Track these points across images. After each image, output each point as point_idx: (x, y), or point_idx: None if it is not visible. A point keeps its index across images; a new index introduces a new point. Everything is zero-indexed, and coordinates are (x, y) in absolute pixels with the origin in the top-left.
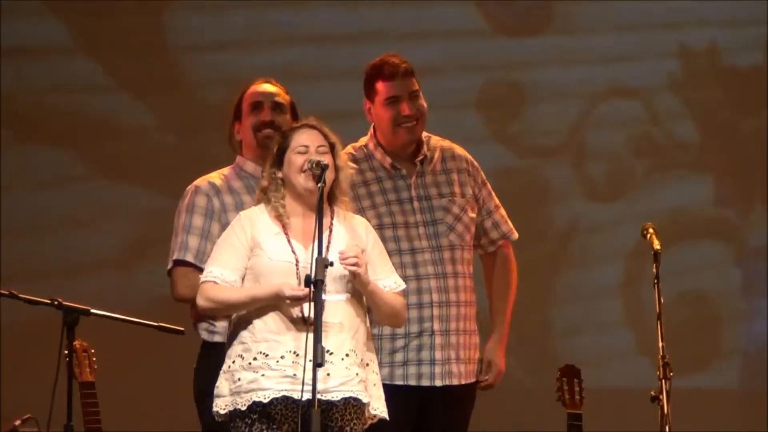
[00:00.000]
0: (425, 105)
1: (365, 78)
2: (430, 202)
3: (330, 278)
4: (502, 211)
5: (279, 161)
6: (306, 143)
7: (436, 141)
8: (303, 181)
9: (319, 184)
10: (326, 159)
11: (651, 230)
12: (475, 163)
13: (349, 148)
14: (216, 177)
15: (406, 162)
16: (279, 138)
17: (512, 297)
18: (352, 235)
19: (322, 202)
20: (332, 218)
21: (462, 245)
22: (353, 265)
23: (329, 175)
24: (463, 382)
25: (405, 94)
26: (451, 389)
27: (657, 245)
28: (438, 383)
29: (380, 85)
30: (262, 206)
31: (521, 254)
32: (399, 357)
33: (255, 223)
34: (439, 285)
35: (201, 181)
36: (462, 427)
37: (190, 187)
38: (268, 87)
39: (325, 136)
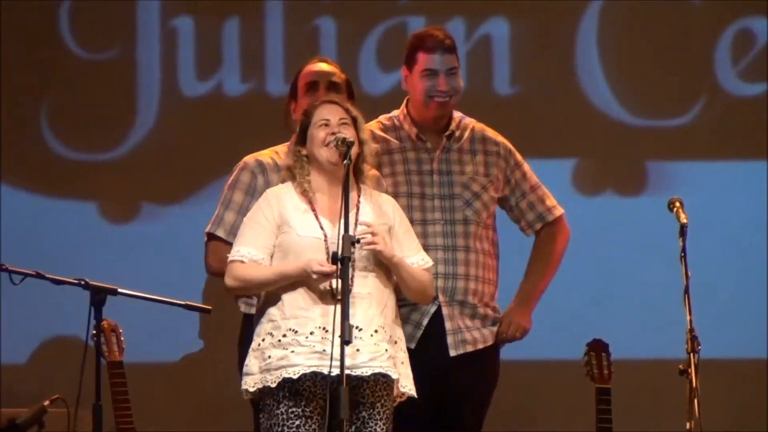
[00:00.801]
0: (461, 83)
1: (408, 46)
2: (450, 177)
3: (358, 254)
4: (541, 192)
5: (303, 139)
6: (327, 117)
7: (469, 122)
8: (327, 155)
9: (345, 161)
10: (349, 132)
11: (678, 204)
12: (509, 145)
13: (382, 118)
14: (267, 155)
15: (433, 135)
16: (302, 116)
17: (548, 272)
18: (378, 212)
19: (349, 179)
20: (359, 196)
21: (477, 221)
22: (370, 243)
23: (353, 150)
24: (480, 346)
25: (443, 69)
26: (466, 356)
27: (684, 219)
28: (452, 353)
29: (420, 56)
30: (288, 184)
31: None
32: None
33: (282, 200)
34: (446, 257)
35: (250, 158)
36: (486, 388)
37: (240, 162)
38: (323, 66)
39: (347, 110)
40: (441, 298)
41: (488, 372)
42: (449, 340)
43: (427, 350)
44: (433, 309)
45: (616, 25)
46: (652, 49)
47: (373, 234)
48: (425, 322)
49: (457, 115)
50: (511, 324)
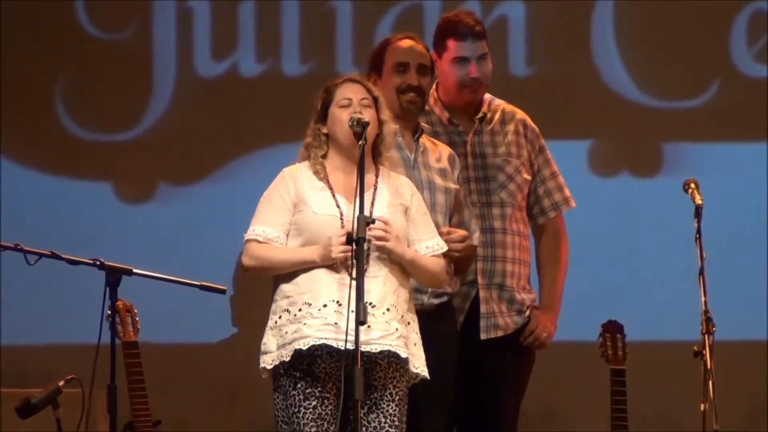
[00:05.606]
0: (490, 67)
1: (437, 31)
2: (484, 160)
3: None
4: (560, 180)
5: (323, 116)
6: (349, 96)
7: (499, 103)
8: (349, 136)
9: (360, 142)
10: (369, 113)
11: (693, 185)
12: (536, 129)
13: None
14: None
15: (464, 118)
16: (322, 93)
17: (562, 273)
18: (395, 195)
19: (363, 160)
20: (377, 177)
21: (513, 203)
22: (381, 239)
23: (372, 131)
24: (511, 332)
25: (474, 57)
26: (498, 340)
27: (699, 200)
28: (483, 336)
29: (451, 43)
30: (306, 162)
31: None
32: None
33: (298, 179)
34: (485, 239)
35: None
36: (520, 370)
37: None
38: (414, 46)
39: (368, 90)
40: (480, 280)
41: (523, 354)
42: (481, 323)
43: (463, 334)
44: (473, 292)
45: (631, 5)
46: (668, 30)
47: (385, 231)
48: (467, 306)
49: (486, 96)
50: (539, 324)
